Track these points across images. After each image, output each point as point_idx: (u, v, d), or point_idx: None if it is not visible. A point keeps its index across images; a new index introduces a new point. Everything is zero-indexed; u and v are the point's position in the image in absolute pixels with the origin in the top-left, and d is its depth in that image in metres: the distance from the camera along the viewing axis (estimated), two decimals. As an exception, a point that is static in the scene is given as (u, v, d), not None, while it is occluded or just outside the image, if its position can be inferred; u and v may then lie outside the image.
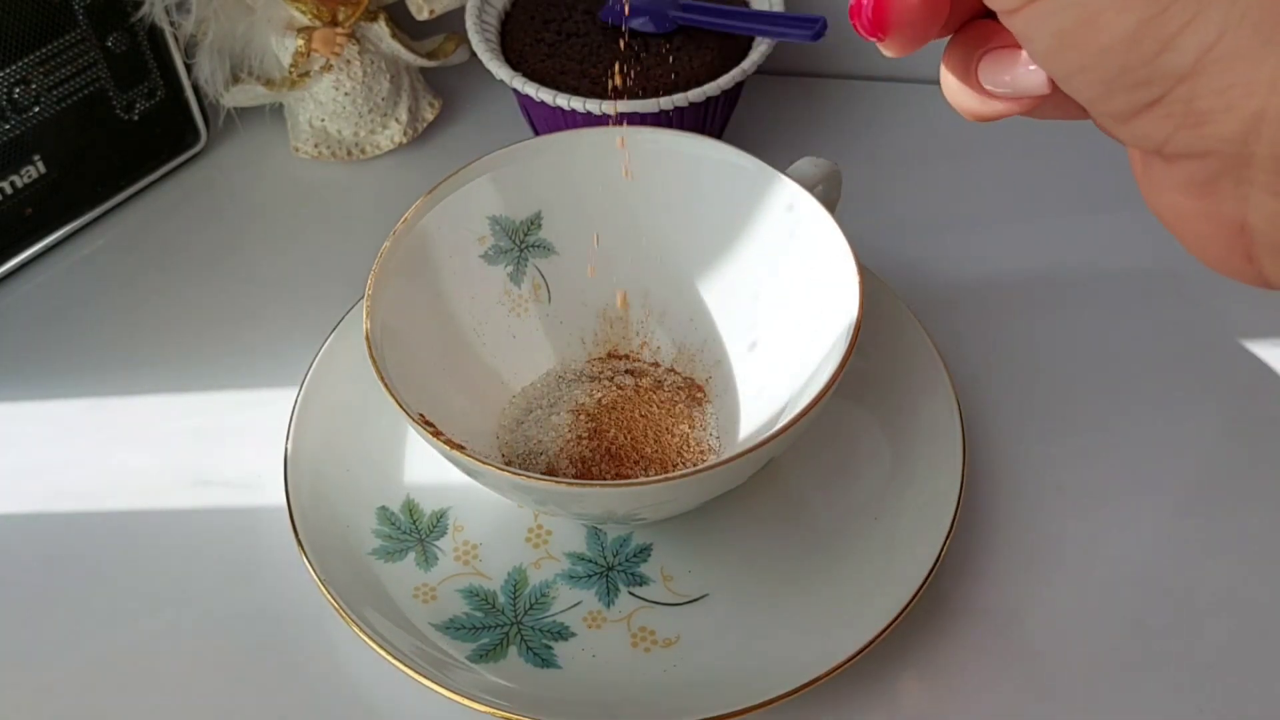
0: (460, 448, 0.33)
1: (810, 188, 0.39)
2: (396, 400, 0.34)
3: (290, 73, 0.50)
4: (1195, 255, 0.25)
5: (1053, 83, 0.26)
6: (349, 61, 0.50)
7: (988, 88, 0.26)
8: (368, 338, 0.35)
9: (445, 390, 0.39)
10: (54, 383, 0.45)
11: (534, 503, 0.35)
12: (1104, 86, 0.22)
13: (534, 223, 0.41)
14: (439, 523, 0.39)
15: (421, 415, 0.34)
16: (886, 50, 0.27)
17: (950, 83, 0.27)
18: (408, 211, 0.38)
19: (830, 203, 0.39)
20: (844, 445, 0.40)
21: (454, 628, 0.36)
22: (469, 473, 0.34)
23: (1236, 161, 0.22)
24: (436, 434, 0.34)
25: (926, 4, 0.26)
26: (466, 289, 0.40)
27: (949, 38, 0.27)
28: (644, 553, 0.38)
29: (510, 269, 0.41)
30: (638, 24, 0.49)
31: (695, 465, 0.39)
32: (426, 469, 0.40)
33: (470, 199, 0.40)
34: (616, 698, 0.35)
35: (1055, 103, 0.27)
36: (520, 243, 0.41)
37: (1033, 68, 0.25)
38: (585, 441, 0.39)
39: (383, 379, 0.34)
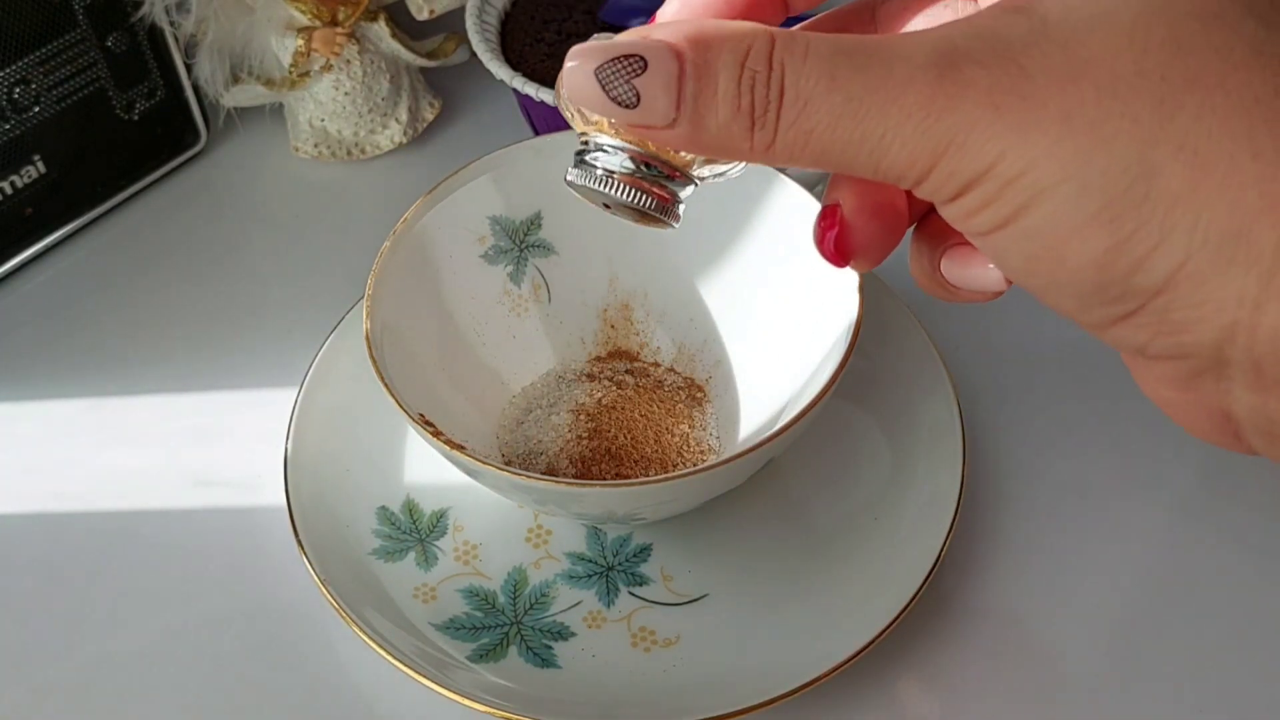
0: (460, 447, 0.33)
1: (810, 187, 0.39)
2: (396, 400, 0.34)
3: (290, 73, 0.50)
4: (1187, 431, 0.25)
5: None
6: (349, 61, 0.50)
7: (951, 283, 0.27)
8: (368, 337, 0.35)
9: (445, 390, 0.39)
10: (54, 383, 0.45)
11: (534, 503, 0.35)
12: (1079, 302, 0.23)
13: (534, 223, 0.41)
14: (439, 523, 0.39)
15: (421, 415, 0.34)
16: (854, 270, 0.28)
17: (915, 273, 0.28)
18: (408, 211, 0.38)
19: None
20: (844, 445, 0.40)
21: (454, 628, 0.36)
22: (469, 473, 0.34)
23: (1215, 363, 0.22)
24: (436, 434, 0.34)
25: (884, 231, 0.27)
26: (467, 289, 0.40)
27: (913, 228, 0.28)
28: (644, 553, 0.38)
29: (510, 269, 0.41)
30: (637, 24, 0.49)
31: (695, 465, 0.39)
32: (426, 469, 0.40)
33: (470, 199, 0.40)
34: (616, 698, 0.35)
35: None
36: (520, 243, 0.41)
37: (991, 267, 0.26)
38: (585, 441, 0.39)
39: (383, 379, 0.34)
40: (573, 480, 0.34)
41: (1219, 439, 0.24)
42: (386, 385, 0.34)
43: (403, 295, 0.38)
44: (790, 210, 0.39)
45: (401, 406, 0.34)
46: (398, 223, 0.38)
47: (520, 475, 0.32)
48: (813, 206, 0.38)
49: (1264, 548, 0.39)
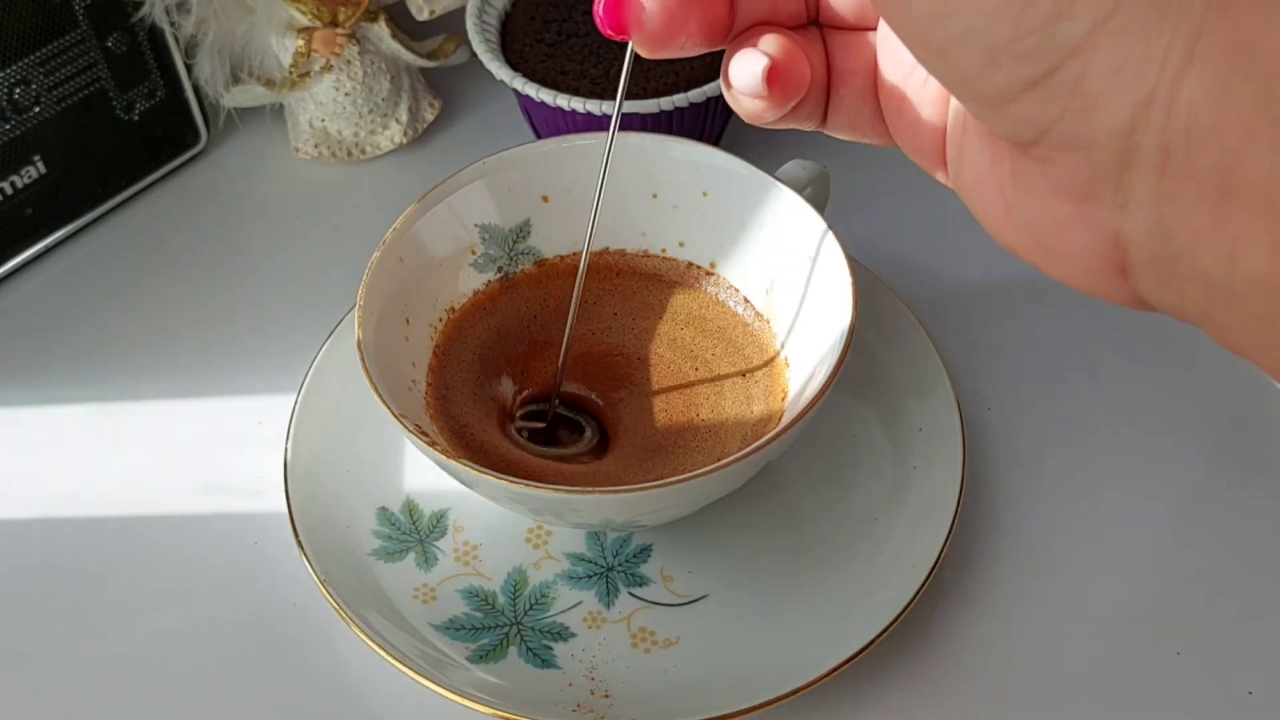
0: (454, 456, 0.33)
1: (799, 190, 0.39)
2: (389, 409, 0.34)
3: (290, 73, 0.50)
4: (1064, 276, 0.24)
5: (826, 94, 0.27)
6: (349, 62, 0.50)
7: (729, 77, 0.27)
8: (359, 346, 0.35)
9: (445, 391, 0.39)
10: (54, 385, 0.45)
11: (530, 512, 0.35)
12: (987, 57, 0.21)
13: (523, 230, 0.41)
14: (439, 523, 0.39)
15: (417, 426, 0.34)
16: (639, 50, 0.27)
17: (724, 92, 0.28)
18: (397, 220, 0.38)
19: (819, 205, 0.39)
20: (844, 446, 0.40)
21: (454, 628, 0.36)
22: (464, 481, 0.34)
23: (1119, 160, 0.21)
24: (432, 444, 0.33)
25: (669, 8, 0.26)
26: (457, 295, 0.40)
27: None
28: (644, 553, 0.38)
29: (500, 276, 0.41)
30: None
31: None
32: (426, 470, 0.40)
33: (459, 207, 0.40)
34: (617, 698, 0.35)
35: (854, 121, 0.27)
36: (510, 250, 0.41)
37: (754, 63, 0.26)
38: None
39: (375, 388, 0.34)
40: (569, 487, 0.34)
41: (1105, 282, 0.23)
42: (379, 394, 0.34)
43: (394, 303, 0.38)
44: (785, 218, 0.39)
45: (395, 416, 0.34)
46: (387, 232, 0.38)
47: (515, 483, 0.32)
48: (808, 213, 0.38)
49: (1265, 547, 0.39)
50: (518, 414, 0.40)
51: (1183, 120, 0.20)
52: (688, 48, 0.26)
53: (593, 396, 0.40)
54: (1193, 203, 0.20)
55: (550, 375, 0.41)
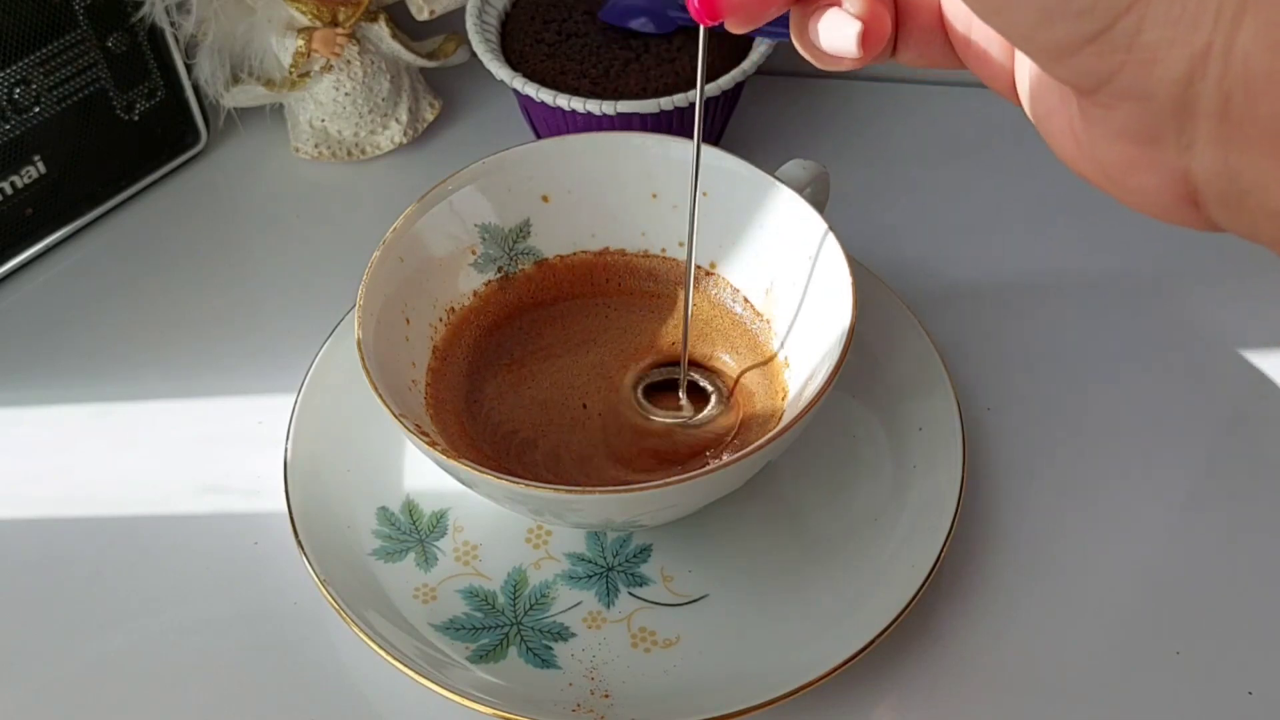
0: (456, 456, 0.33)
1: (799, 190, 0.39)
2: (390, 410, 0.34)
3: (290, 73, 0.50)
4: (1137, 207, 0.24)
5: (898, 32, 0.27)
6: (349, 62, 0.50)
7: (818, 44, 0.27)
8: (359, 346, 0.35)
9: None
10: (54, 386, 0.45)
11: (530, 512, 0.35)
12: (1042, 14, 0.21)
13: (523, 230, 0.41)
14: (439, 523, 0.39)
15: (418, 426, 0.34)
16: (731, 29, 0.27)
17: (794, 38, 0.27)
18: (397, 220, 0.38)
19: (818, 204, 0.39)
20: (844, 446, 0.40)
21: (454, 628, 0.36)
22: (465, 482, 0.34)
23: (1179, 109, 0.21)
24: (433, 444, 0.33)
25: None
26: (458, 295, 0.40)
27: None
28: (644, 553, 0.38)
29: (501, 276, 0.41)
30: (638, 24, 0.49)
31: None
32: (426, 470, 0.40)
33: (459, 207, 0.40)
34: (617, 699, 0.35)
35: (924, 52, 0.27)
36: (510, 250, 0.41)
37: (849, 29, 0.26)
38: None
39: (376, 389, 0.34)
40: (569, 487, 0.34)
41: (1177, 213, 0.23)
42: (379, 395, 0.34)
43: (394, 303, 0.38)
44: (785, 217, 0.39)
45: (395, 416, 0.34)
46: (387, 232, 0.38)
47: (516, 483, 0.32)
48: (809, 214, 0.38)
49: (1265, 547, 0.39)
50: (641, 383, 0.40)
51: (1240, 69, 0.20)
52: (773, 14, 0.27)
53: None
54: (1256, 146, 0.20)
55: (553, 372, 0.41)
